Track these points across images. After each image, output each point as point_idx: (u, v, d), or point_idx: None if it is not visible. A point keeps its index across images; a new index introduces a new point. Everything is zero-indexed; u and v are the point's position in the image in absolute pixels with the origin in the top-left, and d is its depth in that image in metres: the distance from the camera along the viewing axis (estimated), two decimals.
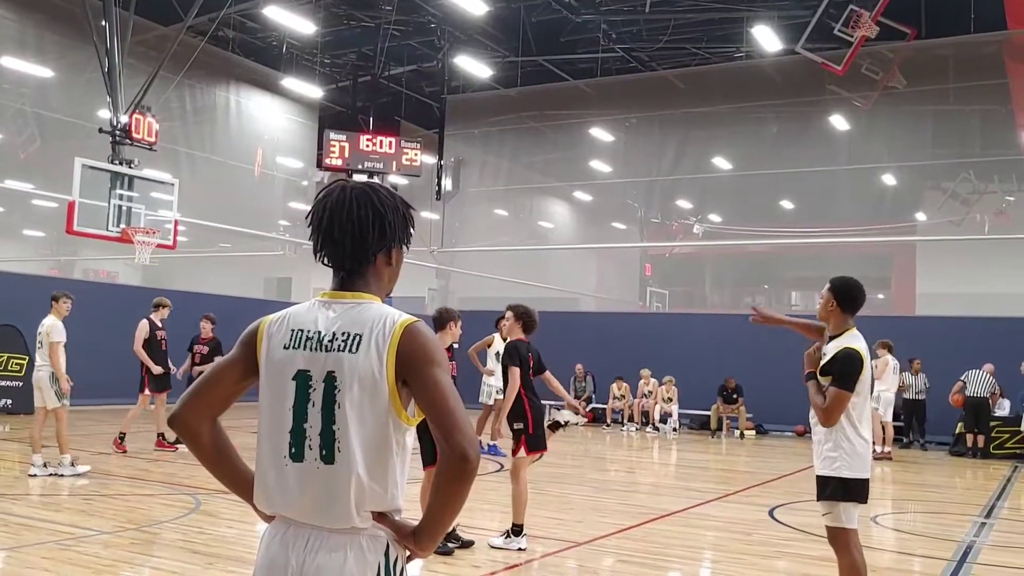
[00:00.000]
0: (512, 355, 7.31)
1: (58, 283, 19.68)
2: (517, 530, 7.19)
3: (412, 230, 2.34)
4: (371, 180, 2.37)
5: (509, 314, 7.61)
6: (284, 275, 29.94)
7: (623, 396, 20.47)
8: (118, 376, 18.02)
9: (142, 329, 12.38)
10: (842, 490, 4.82)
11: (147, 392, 12.32)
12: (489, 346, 13.52)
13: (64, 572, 5.96)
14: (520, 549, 7.11)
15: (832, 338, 4.95)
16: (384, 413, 2.12)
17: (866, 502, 4.87)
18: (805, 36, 18.73)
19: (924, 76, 21.63)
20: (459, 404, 2.12)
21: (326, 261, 2.27)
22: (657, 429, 19.65)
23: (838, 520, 4.86)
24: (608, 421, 20.53)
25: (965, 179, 23.67)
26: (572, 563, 7.09)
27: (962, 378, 16.53)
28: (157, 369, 12.22)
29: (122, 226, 14.98)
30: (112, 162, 15.19)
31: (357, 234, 2.22)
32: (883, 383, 15.10)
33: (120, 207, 15.03)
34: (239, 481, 2.32)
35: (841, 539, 4.87)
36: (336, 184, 2.31)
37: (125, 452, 12.10)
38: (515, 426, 7.28)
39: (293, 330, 2.21)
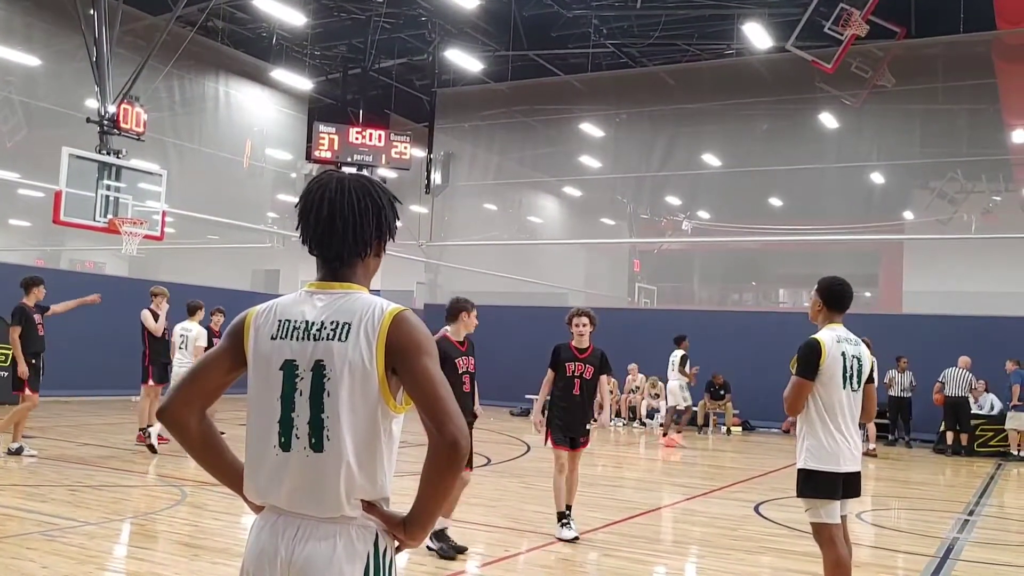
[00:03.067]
0: (609, 362, 7.95)
1: (44, 273, 19.56)
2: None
3: (399, 223, 2.38)
4: (361, 172, 2.39)
5: (585, 320, 7.94)
6: (272, 267, 29.86)
7: (611, 391, 20.48)
8: (104, 367, 18.00)
9: (147, 319, 12.33)
10: (809, 484, 4.86)
11: (152, 383, 12.19)
12: None
13: (49, 563, 5.93)
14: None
15: None
16: (374, 402, 2.13)
17: (838, 498, 4.87)
18: (795, 34, 18.77)
19: (913, 75, 21.69)
20: (449, 393, 2.13)
21: (317, 251, 2.27)
22: (644, 424, 19.70)
23: (818, 516, 4.90)
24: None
25: (953, 178, 23.80)
26: (558, 557, 7.11)
27: (940, 379, 16.66)
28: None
29: (109, 216, 14.90)
30: (99, 152, 15.10)
31: (359, 224, 2.24)
32: None
33: (107, 197, 14.94)
34: (228, 472, 2.32)
35: (824, 534, 4.90)
36: (329, 175, 2.31)
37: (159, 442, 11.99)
38: (588, 426, 7.89)
39: (281, 321, 2.22)
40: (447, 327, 7.04)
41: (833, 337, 4.92)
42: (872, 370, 5.06)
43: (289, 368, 2.17)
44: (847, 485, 4.91)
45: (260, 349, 2.22)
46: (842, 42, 18.38)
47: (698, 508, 9.74)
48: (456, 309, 7.07)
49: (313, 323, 2.18)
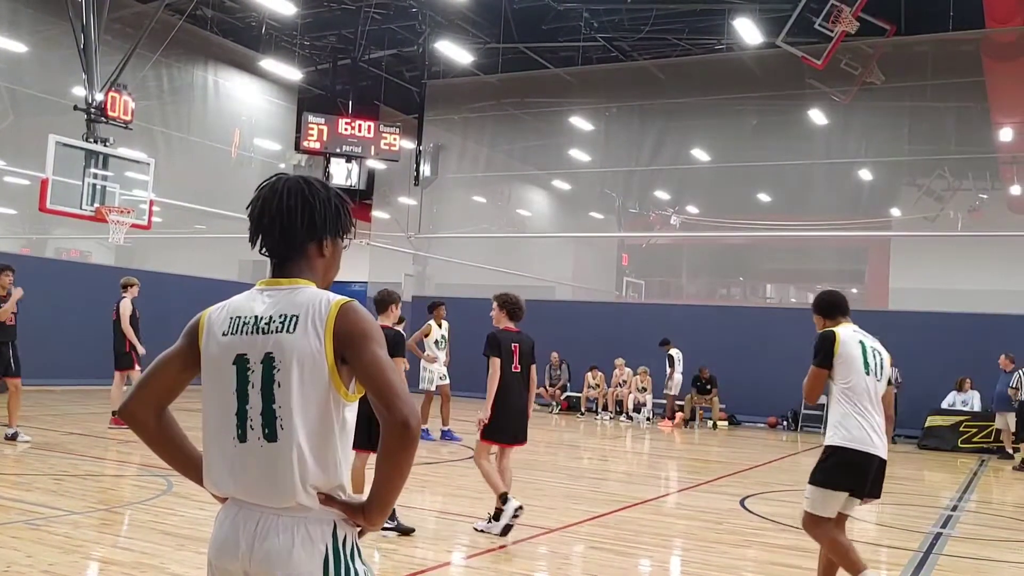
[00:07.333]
0: (489, 345, 7.26)
1: (29, 262, 19.48)
2: (503, 498, 7.22)
3: (350, 223, 2.42)
4: (307, 175, 2.45)
5: (495, 303, 7.59)
6: (259, 258, 29.58)
7: (598, 385, 20.54)
8: (90, 356, 17.89)
9: (126, 307, 12.33)
10: (831, 465, 4.91)
11: (138, 368, 12.20)
12: (427, 335, 13.55)
13: (34, 552, 5.91)
14: (501, 533, 7.06)
15: None
16: (325, 390, 2.18)
17: (854, 490, 4.92)
18: (786, 30, 18.81)
19: (902, 72, 21.78)
20: (398, 375, 2.18)
21: (257, 247, 2.35)
22: (631, 418, 19.75)
23: (814, 506, 4.95)
24: (582, 409, 20.60)
25: (940, 176, 23.93)
26: (543, 549, 7.13)
27: (1014, 384, 15.05)
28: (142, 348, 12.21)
29: (96, 205, 14.82)
30: (87, 140, 15.01)
31: (285, 222, 2.31)
32: None
33: (94, 185, 14.87)
34: (189, 465, 2.39)
35: (823, 526, 4.95)
36: (273, 176, 2.40)
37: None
38: (480, 413, 7.30)
39: (232, 318, 2.28)
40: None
41: (848, 329, 5.11)
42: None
43: (241, 362, 2.23)
44: (874, 481, 4.95)
45: (213, 346, 2.28)
46: (832, 39, 18.43)
47: (684, 501, 9.77)
48: (386, 301, 7.44)
49: (262, 317, 2.24)
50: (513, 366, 7.31)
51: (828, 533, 4.97)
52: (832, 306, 5.24)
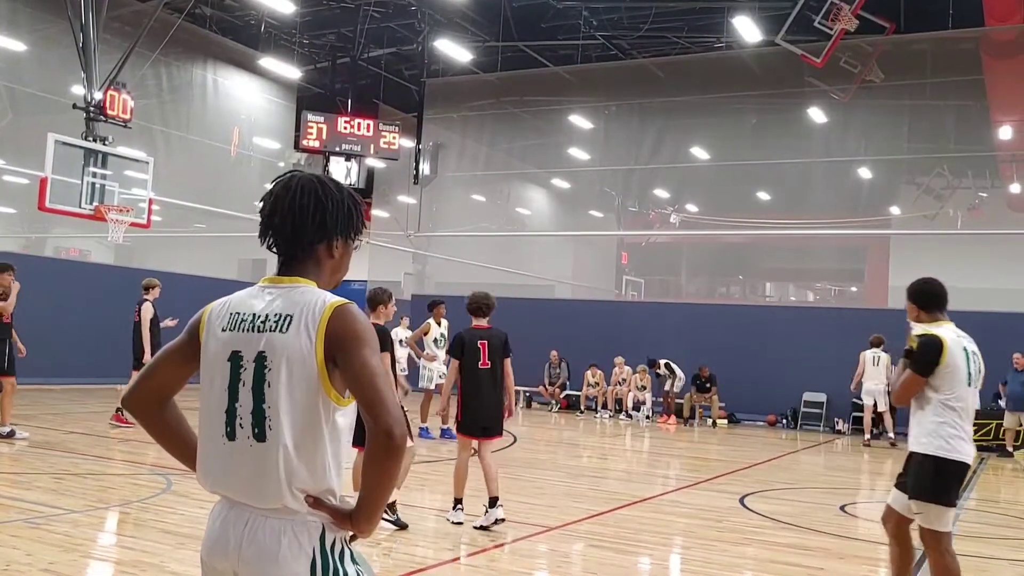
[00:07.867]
0: (452, 345, 7.63)
1: (28, 260, 19.48)
2: (456, 503, 7.58)
3: (362, 225, 2.41)
4: (321, 174, 2.44)
5: None
6: (258, 257, 29.69)
7: (597, 383, 20.54)
8: (90, 355, 17.91)
9: (148, 311, 12.43)
10: (939, 479, 4.75)
11: None
12: (426, 334, 13.65)
13: (33, 550, 5.91)
14: (457, 523, 7.43)
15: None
16: (314, 392, 2.16)
17: (956, 503, 4.84)
18: (785, 28, 18.80)
19: (901, 70, 21.77)
20: (387, 384, 2.16)
21: (268, 246, 2.35)
22: (630, 416, 19.75)
23: (928, 521, 4.81)
24: (582, 408, 20.60)
25: (939, 174, 23.95)
26: (543, 547, 7.13)
27: None
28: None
29: (95, 204, 14.81)
30: (86, 139, 15.00)
31: (297, 222, 2.30)
32: (866, 376, 16.48)
33: (93, 184, 14.85)
34: (191, 456, 2.39)
35: (944, 542, 4.84)
36: (288, 173, 2.38)
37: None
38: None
39: (232, 314, 2.28)
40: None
41: (952, 334, 4.82)
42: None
43: (235, 359, 2.23)
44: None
45: (212, 341, 2.28)
46: (831, 37, 18.42)
47: (683, 500, 9.77)
48: (376, 301, 7.44)
49: (258, 315, 2.24)
50: (481, 362, 7.46)
51: (949, 548, 4.83)
52: (932, 297, 4.93)
